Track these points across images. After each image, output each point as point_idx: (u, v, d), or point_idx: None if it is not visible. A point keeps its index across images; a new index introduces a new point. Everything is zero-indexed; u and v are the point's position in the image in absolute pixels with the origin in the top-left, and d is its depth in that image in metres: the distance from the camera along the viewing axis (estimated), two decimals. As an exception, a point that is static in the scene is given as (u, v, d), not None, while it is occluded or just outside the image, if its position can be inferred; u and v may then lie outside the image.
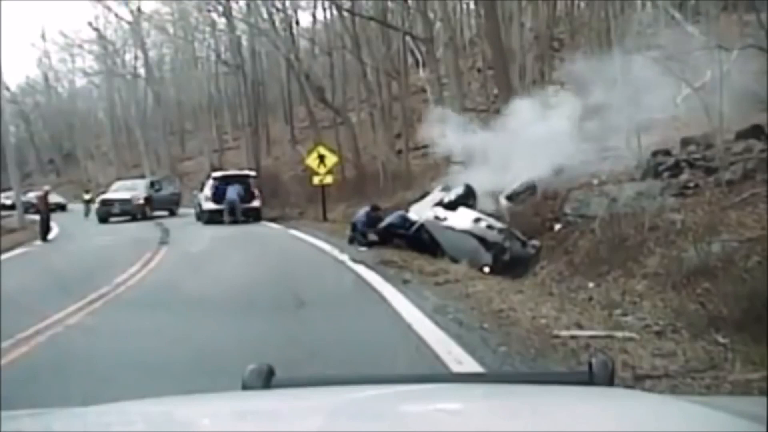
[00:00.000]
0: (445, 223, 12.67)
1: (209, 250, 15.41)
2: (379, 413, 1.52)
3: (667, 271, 8.70)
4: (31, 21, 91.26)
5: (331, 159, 22.89)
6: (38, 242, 19.70)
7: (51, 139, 61.28)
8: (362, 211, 15.10)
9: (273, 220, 23.73)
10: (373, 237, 13.89)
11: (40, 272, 13.15)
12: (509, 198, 14.03)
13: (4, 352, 6.22)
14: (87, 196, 32.01)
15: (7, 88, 45.98)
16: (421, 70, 28.49)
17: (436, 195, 14.45)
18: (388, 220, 14.09)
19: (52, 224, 21.58)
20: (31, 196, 28.47)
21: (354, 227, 14.79)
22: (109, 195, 28.26)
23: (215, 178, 25.05)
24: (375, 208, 15.22)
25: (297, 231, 18.88)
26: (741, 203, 9.88)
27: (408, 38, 27.03)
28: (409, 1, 27.20)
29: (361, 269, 10.87)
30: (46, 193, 22.33)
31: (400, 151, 26.51)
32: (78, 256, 16.06)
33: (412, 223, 13.46)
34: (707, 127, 12.45)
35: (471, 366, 5.12)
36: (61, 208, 35.11)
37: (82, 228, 24.14)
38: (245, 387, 1.66)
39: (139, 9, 44.28)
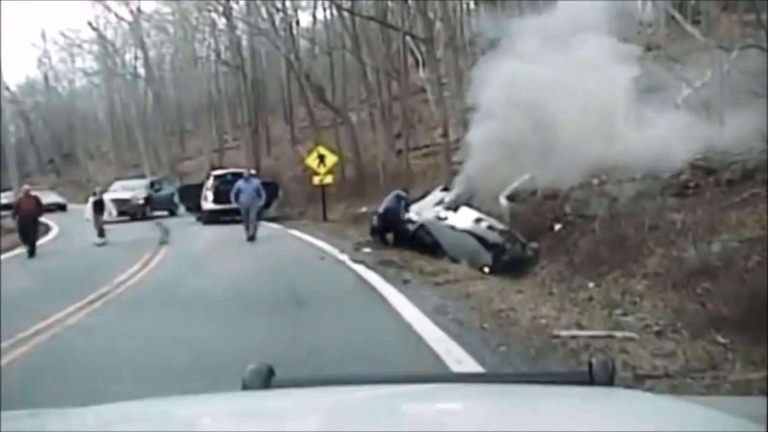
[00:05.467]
0: (446, 223, 12.67)
1: (209, 250, 15.40)
2: (379, 413, 1.52)
3: (667, 271, 8.69)
4: (31, 21, 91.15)
5: (331, 159, 22.87)
6: (38, 242, 19.61)
7: (51, 139, 61.13)
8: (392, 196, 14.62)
9: (273, 220, 23.70)
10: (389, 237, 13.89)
11: (40, 272, 13.15)
12: (509, 198, 13.99)
13: (4, 352, 6.22)
14: None
15: (7, 88, 45.92)
16: (421, 70, 28.47)
17: (437, 195, 14.42)
18: (385, 204, 14.18)
19: (52, 224, 21.38)
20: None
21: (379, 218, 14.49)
22: (109, 195, 28.18)
23: (216, 177, 24.87)
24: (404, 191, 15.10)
25: (297, 231, 18.87)
26: (741, 203, 9.87)
27: (408, 38, 26.97)
28: (409, 1, 27.15)
29: (360, 269, 10.87)
30: (28, 192, 17.05)
31: (400, 151, 26.48)
32: (78, 256, 16.05)
33: (409, 202, 13.68)
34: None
35: (471, 366, 5.12)
36: (61, 208, 35.02)
37: (81, 228, 24.07)
38: (245, 387, 1.66)
39: (139, 9, 44.31)
